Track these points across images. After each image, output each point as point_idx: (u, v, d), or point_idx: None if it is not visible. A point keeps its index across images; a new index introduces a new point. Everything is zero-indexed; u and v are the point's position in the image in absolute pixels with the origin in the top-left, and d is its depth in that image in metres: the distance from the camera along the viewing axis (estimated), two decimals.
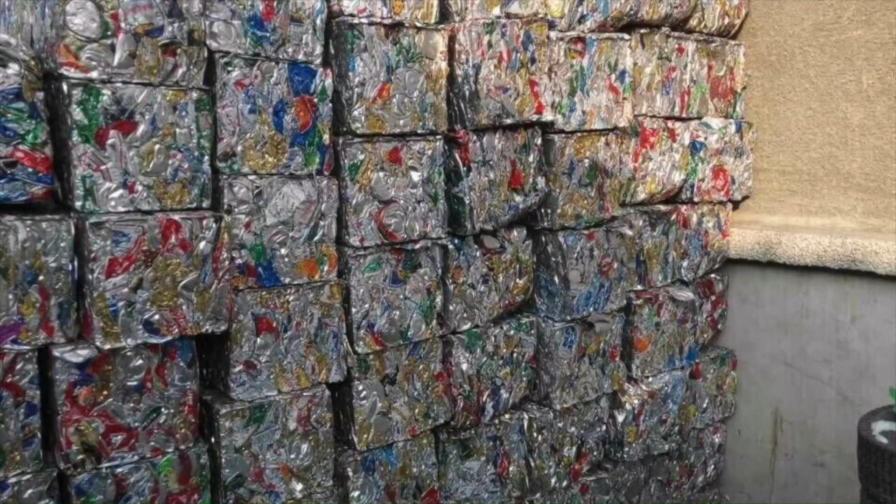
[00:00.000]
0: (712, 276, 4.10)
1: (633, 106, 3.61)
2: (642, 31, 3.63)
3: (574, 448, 3.57)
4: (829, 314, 3.83)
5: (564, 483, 3.56)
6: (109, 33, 2.37)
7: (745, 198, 4.20)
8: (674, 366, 3.91)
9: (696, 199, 3.91)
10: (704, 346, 4.13)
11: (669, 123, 3.75)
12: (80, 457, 2.44)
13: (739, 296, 4.18)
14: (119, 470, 2.52)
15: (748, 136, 4.11)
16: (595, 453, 3.67)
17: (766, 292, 4.07)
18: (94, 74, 2.37)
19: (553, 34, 3.26)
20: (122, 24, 2.39)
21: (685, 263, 3.90)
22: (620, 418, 3.68)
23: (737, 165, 4.06)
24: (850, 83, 3.81)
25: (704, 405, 4.12)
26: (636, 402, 3.72)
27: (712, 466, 4.22)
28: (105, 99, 2.38)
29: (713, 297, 4.09)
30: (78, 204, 2.38)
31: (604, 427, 3.69)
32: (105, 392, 2.47)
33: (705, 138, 3.90)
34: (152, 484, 2.58)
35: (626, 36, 3.50)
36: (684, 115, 3.86)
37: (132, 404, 2.52)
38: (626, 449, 3.71)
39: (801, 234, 3.83)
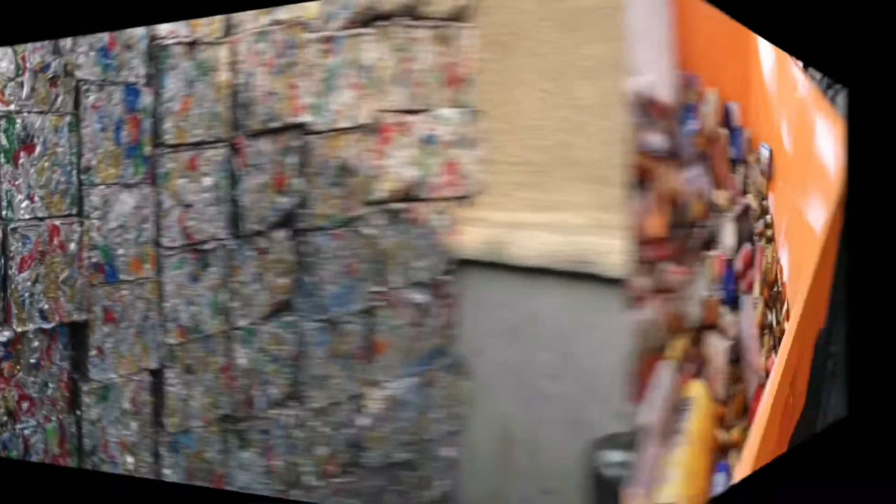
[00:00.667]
0: (445, 277, 3.44)
1: (375, 102, 3.58)
2: (381, 23, 3.58)
3: (326, 448, 3.68)
4: (556, 322, 3.22)
5: (319, 482, 3.69)
6: (20, 72, 3.65)
7: (477, 193, 3.36)
8: (409, 371, 3.52)
9: (428, 196, 3.47)
10: (439, 351, 3.50)
11: (407, 117, 3.54)
12: (5, 419, 3.65)
13: (472, 300, 3.49)
14: (26, 432, 3.65)
15: (479, 125, 3.39)
16: (343, 456, 3.67)
17: (495, 296, 3.43)
18: (12, 107, 3.65)
19: (309, 36, 3.63)
20: (28, 64, 3.63)
21: (419, 264, 3.48)
22: (362, 422, 3.61)
23: (468, 158, 3.39)
24: (585, 59, 3.08)
25: (437, 415, 3.51)
26: (376, 406, 3.58)
27: (445, 480, 3.49)
28: (18, 126, 3.67)
29: (446, 301, 3.50)
30: (4, 213, 3.80)
31: (352, 430, 3.65)
32: (18, 366, 3.65)
33: (437, 131, 3.51)
34: (44, 446, 3.67)
35: (369, 30, 3.58)
36: (418, 108, 3.55)
37: (33, 378, 3.69)
38: (367, 454, 3.62)
39: (529, 233, 3.25)
